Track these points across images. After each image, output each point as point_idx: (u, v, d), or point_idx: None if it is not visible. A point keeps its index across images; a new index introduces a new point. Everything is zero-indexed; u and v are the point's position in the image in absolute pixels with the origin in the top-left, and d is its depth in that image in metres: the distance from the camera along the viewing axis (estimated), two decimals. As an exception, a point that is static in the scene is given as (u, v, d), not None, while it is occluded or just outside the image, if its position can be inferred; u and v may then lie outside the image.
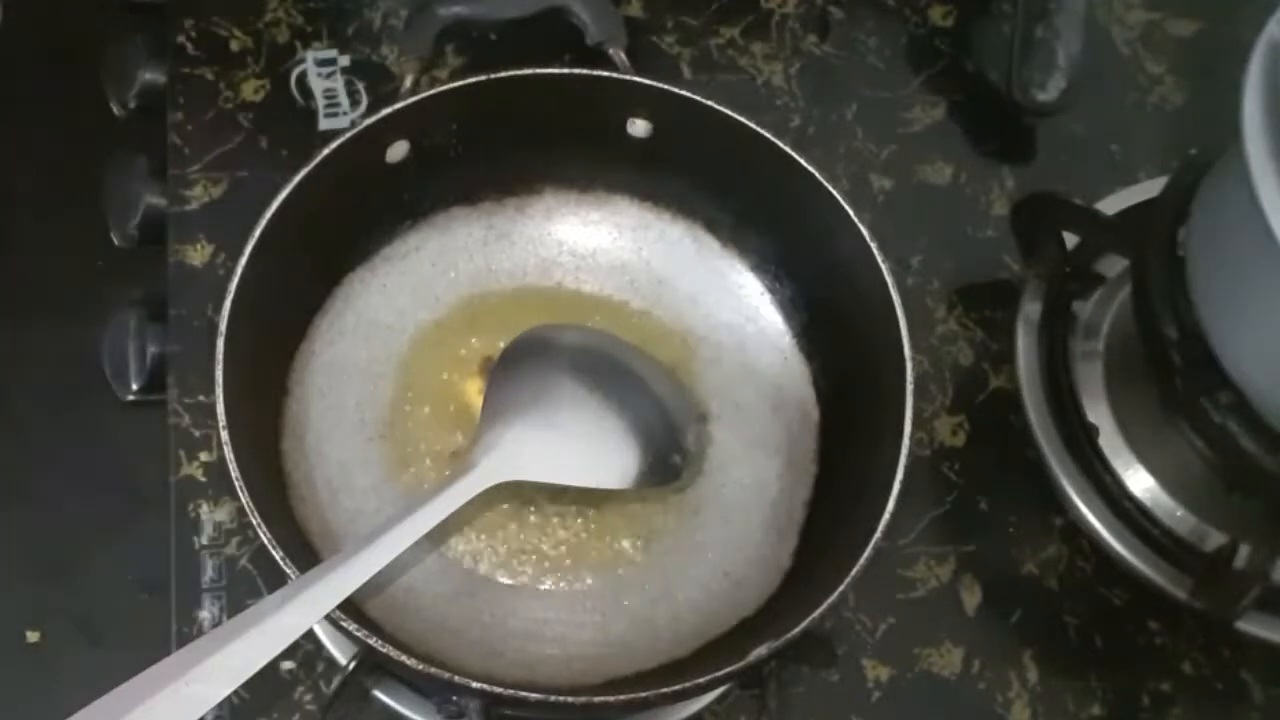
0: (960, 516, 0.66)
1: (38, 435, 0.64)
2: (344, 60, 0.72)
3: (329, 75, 0.71)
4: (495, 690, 0.46)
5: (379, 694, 0.57)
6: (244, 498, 0.48)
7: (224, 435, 0.49)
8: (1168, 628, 0.64)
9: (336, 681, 0.54)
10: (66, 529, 0.63)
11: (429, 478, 0.57)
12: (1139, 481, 0.64)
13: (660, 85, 0.58)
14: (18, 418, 0.64)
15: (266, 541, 0.47)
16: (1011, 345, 0.67)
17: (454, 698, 0.52)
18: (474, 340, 0.60)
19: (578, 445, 0.56)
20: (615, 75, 0.59)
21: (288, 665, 0.59)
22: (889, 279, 0.54)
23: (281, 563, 0.47)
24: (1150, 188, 0.69)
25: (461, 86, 0.57)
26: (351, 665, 0.54)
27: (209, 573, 0.61)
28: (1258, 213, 0.47)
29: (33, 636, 0.60)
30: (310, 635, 0.57)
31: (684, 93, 0.58)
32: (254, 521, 0.47)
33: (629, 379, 0.59)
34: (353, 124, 0.58)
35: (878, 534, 0.50)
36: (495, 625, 0.55)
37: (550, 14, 0.62)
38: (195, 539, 0.61)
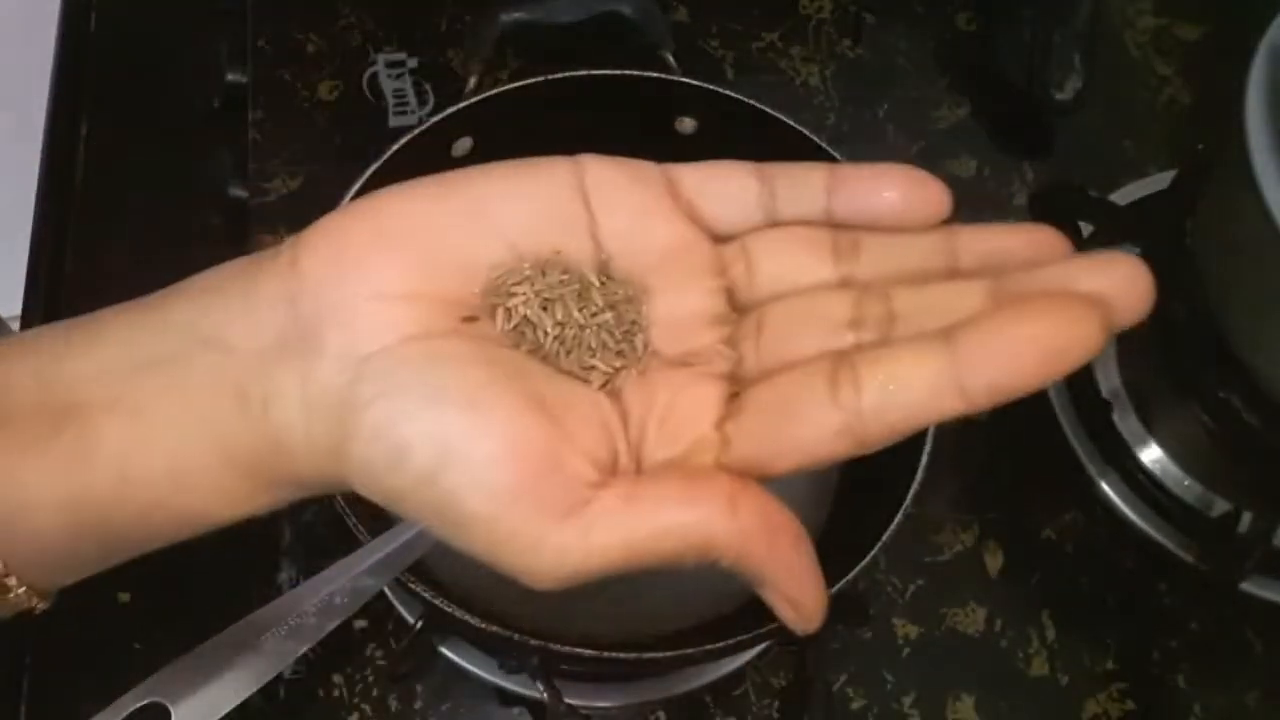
0: (984, 486, 0.68)
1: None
2: (412, 62, 0.74)
3: (398, 76, 0.73)
4: (552, 647, 0.48)
5: (445, 650, 0.59)
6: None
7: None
8: (1176, 589, 0.66)
9: (405, 639, 0.57)
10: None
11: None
12: (1150, 453, 0.66)
13: (706, 86, 0.59)
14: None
15: (341, 509, 0.48)
16: (1032, 328, 0.69)
17: (514, 654, 0.55)
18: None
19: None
20: (664, 76, 0.61)
21: (360, 624, 0.61)
22: (919, 265, 0.56)
23: (354, 529, 0.48)
24: (1160, 180, 0.71)
25: (521, 86, 0.58)
26: (419, 624, 0.57)
27: (287, 538, 0.63)
28: (1260, 204, 0.49)
29: (124, 597, 0.61)
30: (380, 595, 0.58)
31: (728, 93, 0.58)
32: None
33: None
34: (420, 121, 0.59)
35: (907, 502, 0.51)
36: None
37: (604, 18, 0.64)
38: (274, 505, 0.64)
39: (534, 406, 0.30)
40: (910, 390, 0.29)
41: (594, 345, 0.32)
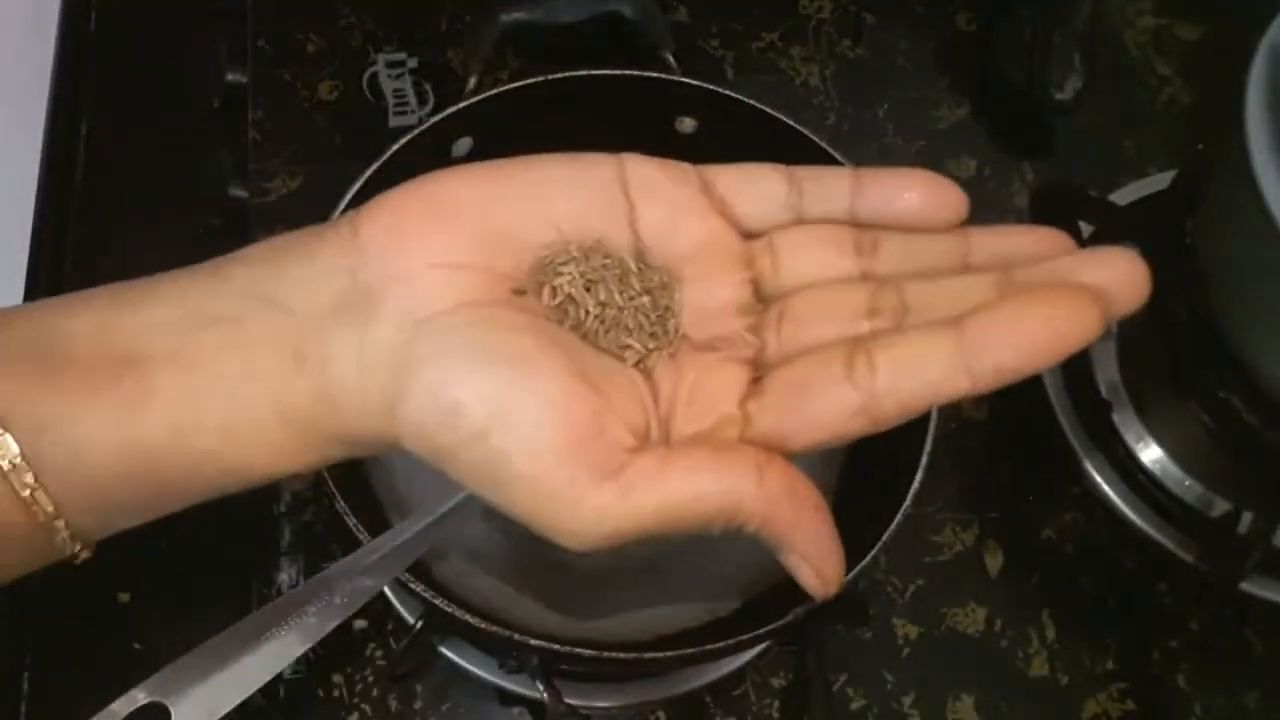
0: (983, 486, 0.68)
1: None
2: (412, 62, 0.74)
3: (398, 76, 0.73)
4: (552, 647, 0.48)
5: (445, 650, 0.59)
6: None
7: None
8: (1176, 589, 0.66)
9: (405, 639, 0.57)
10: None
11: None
12: (1150, 453, 0.66)
13: (706, 86, 0.59)
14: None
15: (341, 509, 0.49)
16: (1032, 327, 0.69)
17: (513, 654, 0.55)
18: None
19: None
20: (665, 76, 0.61)
21: (360, 624, 0.61)
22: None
23: (354, 530, 0.49)
24: (1160, 180, 0.71)
25: (521, 87, 0.58)
26: (419, 624, 0.57)
27: (287, 538, 0.63)
28: (1260, 204, 0.50)
29: (124, 597, 0.61)
30: (380, 595, 0.59)
31: (728, 93, 0.58)
32: (330, 490, 0.49)
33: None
34: (420, 121, 0.60)
35: (907, 502, 0.51)
36: (552, 585, 0.58)
37: (604, 18, 0.65)
38: (274, 506, 0.64)
39: (579, 376, 0.32)
40: (922, 371, 0.31)
41: (631, 326, 0.34)
